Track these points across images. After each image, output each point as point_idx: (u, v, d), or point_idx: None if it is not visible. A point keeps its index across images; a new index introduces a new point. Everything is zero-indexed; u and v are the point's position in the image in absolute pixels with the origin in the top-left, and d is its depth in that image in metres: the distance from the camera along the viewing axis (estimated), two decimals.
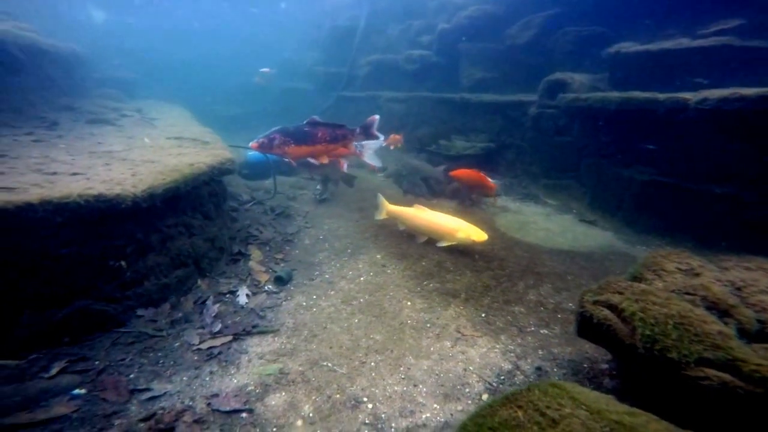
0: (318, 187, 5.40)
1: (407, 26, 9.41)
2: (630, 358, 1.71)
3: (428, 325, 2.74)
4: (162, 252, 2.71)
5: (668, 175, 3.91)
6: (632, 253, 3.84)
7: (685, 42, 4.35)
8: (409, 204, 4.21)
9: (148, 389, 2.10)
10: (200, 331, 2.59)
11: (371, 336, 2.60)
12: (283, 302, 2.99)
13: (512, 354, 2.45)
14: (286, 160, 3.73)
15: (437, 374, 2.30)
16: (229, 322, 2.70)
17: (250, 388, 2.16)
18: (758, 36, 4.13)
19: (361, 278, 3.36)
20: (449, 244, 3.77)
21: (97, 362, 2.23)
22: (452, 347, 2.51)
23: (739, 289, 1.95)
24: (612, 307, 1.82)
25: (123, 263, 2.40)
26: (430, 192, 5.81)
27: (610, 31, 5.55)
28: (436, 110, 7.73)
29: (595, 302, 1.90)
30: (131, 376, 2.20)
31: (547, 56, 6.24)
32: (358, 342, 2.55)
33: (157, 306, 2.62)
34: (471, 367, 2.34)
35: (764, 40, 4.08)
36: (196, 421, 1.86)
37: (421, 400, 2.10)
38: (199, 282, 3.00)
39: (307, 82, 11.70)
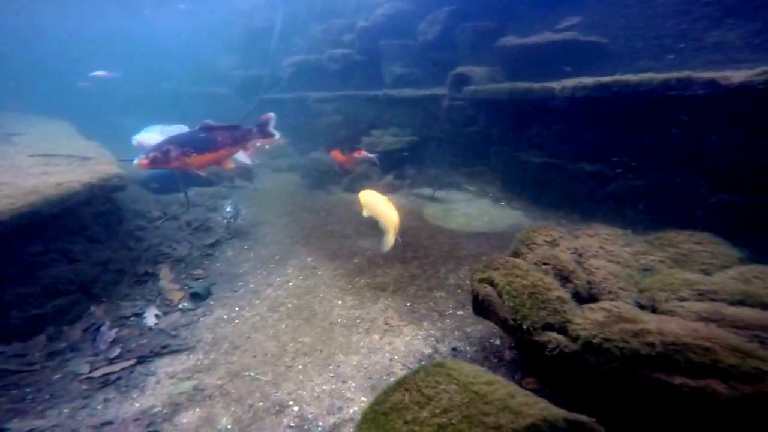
0: (228, 209, 4.78)
1: (329, 26, 9.37)
2: (506, 329, 1.87)
3: (358, 321, 2.80)
4: (28, 282, 2.45)
5: (555, 157, 4.43)
6: None
7: (549, 36, 4.96)
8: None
9: (2, 430, 1.89)
10: (92, 358, 2.39)
11: (299, 339, 2.59)
12: (201, 318, 2.86)
13: (433, 338, 2.58)
14: (192, 172, 3.46)
15: (366, 368, 2.36)
16: (134, 345, 2.53)
17: (156, 409, 2.05)
18: (595, 32, 4.88)
19: (290, 283, 3.32)
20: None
21: None
22: (380, 339, 2.59)
23: (580, 255, 2.19)
24: (492, 284, 1.97)
25: None
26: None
27: (500, 26, 6.07)
28: (363, 108, 7.82)
29: (481, 280, 2.04)
30: None
31: (454, 50, 6.65)
32: (285, 347, 2.53)
33: (26, 340, 2.36)
34: (396, 357, 2.43)
35: (599, 35, 4.83)
36: None
37: (350, 395, 2.14)
38: (93, 308, 2.76)
39: (227, 86, 11.12)
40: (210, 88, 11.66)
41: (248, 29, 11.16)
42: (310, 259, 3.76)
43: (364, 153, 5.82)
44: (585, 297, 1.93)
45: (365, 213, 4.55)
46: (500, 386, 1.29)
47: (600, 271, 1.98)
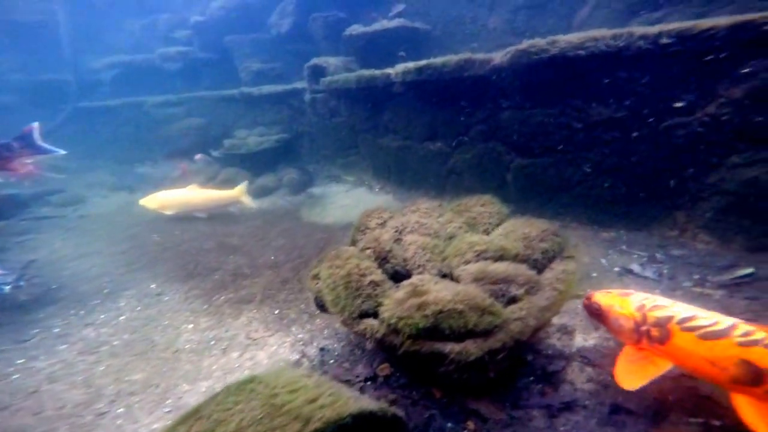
0: None
1: (151, 21, 8.60)
2: (340, 321, 1.89)
3: (213, 342, 2.61)
4: None
5: (407, 140, 4.84)
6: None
7: (385, 23, 5.47)
8: None
9: None
10: None
11: (126, 379, 2.29)
12: None
13: (301, 343, 2.51)
14: None
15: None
16: None
17: None
18: (419, 19, 5.59)
19: (122, 318, 2.95)
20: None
21: None
22: (240, 357, 2.45)
23: (400, 232, 2.26)
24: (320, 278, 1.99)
25: None
26: None
27: (348, 15, 6.38)
28: (221, 109, 7.36)
29: (313, 276, 2.05)
30: None
31: (311, 42, 6.74)
32: (101, 392, 2.20)
33: None
34: (258, 372, 2.30)
35: (423, 23, 5.54)
36: None
37: None
38: None
39: (6, 94, 9.14)
40: None
41: (12, 23, 9.33)
42: (153, 285, 3.43)
43: (200, 156, 5.78)
44: (403, 274, 2.02)
45: (170, 212, 4.88)
46: (304, 392, 1.23)
47: (412, 247, 2.10)
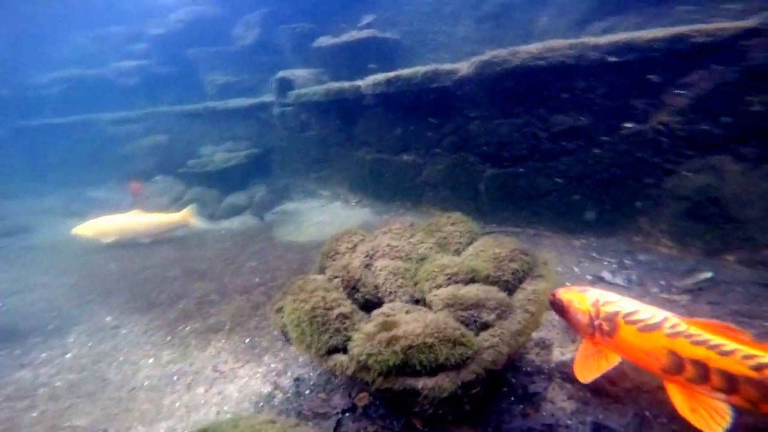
0: None
1: (101, 34, 8.26)
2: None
3: (176, 377, 2.46)
4: None
5: (381, 152, 4.84)
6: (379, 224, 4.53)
7: (355, 34, 5.50)
8: None
9: None
10: None
11: (67, 425, 2.12)
12: None
13: (273, 373, 2.40)
14: None
15: None
16: None
17: None
18: (389, 29, 5.68)
19: (68, 355, 2.75)
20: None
21: None
22: (206, 392, 2.32)
23: (371, 257, 2.17)
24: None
25: None
26: None
27: (317, 27, 6.38)
28: (183, 125, 7.11)
29: (277, 310, 1.96)
30: None
31: (279, 54, 6.68)
32: None
33: None
34: (226, 407, 2.19)
35: (393, 32, 5.62)
36: None
37: None
38: None
39: None
40: None
41: None
42: (109, 318, 3.23)
43: (160, 177, 5.73)
44: (375, 302, 1.96)
45: (108, 239, 4.77)
46: None
47: (383, 272, 2.02)
